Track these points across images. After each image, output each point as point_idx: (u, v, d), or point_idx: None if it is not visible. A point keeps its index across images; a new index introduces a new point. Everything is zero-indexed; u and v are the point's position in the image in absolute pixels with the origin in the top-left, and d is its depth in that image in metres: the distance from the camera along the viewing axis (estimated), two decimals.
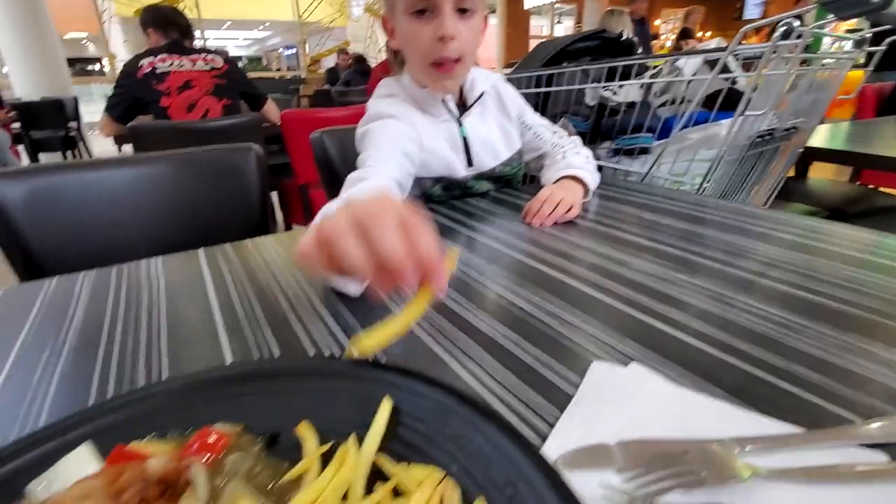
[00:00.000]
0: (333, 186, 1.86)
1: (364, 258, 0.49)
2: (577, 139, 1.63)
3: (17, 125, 7.16)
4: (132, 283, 0.99)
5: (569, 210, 1.28)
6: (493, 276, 0.97)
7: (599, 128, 2.17)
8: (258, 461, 0.50)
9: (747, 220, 1.24)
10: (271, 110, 3.87)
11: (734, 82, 1.95)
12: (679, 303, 0.84)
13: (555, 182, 1.41)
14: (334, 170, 1.84)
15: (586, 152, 1.56)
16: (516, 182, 1.71)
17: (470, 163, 1.51)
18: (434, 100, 1.42)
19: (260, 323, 0.80)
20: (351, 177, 1.15)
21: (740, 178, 2.05)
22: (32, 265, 1.33)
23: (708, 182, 1.86)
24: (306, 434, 0.52)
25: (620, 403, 0.58)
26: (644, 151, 2.05)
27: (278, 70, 25.65)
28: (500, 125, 1.58)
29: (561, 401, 0.60)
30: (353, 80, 8.73)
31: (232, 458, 0.50)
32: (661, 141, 1.99)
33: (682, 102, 2.00)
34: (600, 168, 1.81)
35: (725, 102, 1.81)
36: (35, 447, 0.48)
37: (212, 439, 0.51)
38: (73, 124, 7.72)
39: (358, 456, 0.48)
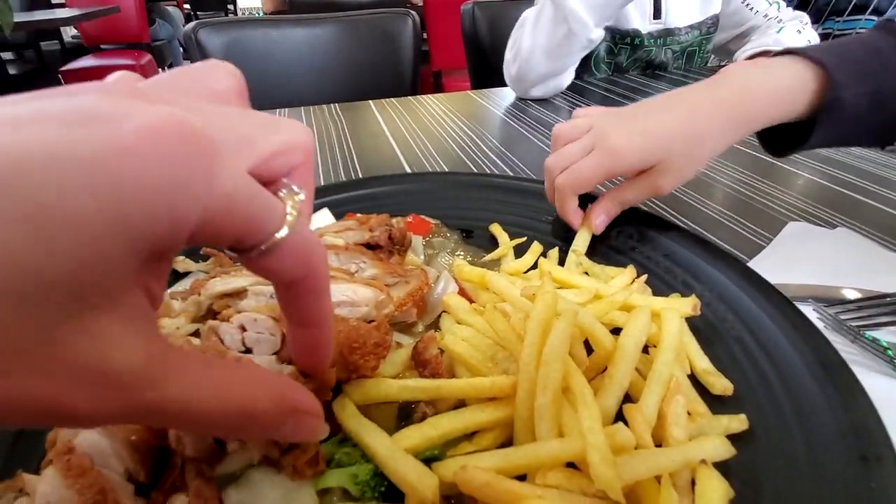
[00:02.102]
0: (478, 68, 1.81)
1: None
2: (802, 15, 1.22)
3: None
4: (321, 120, 1.11)
5: None
6: None
7: (807, 4, 1.77)
8: (458, 246, 0.57)
9: None
10: None
11: None
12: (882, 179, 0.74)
13: (749, 58, 1.19)
14: (482, 48, 1.75)
15: (810, 34, 1.19)
16: (699, 60, 1.37)
17: (657, 13, 1.21)
18: None
19: (428, 148, 0.87)
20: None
21: None
22: None
23: None
24: (498, 231, 0.57)
25: (822, 258, 0.55)
26: None
27: None
28: None
29: (750, 248, 0.58)
30: None
31: (437, 240, 0.58)
32: None
33: None
34: None
35: None
36: None
37: (415, 222, 0.59)
38: None
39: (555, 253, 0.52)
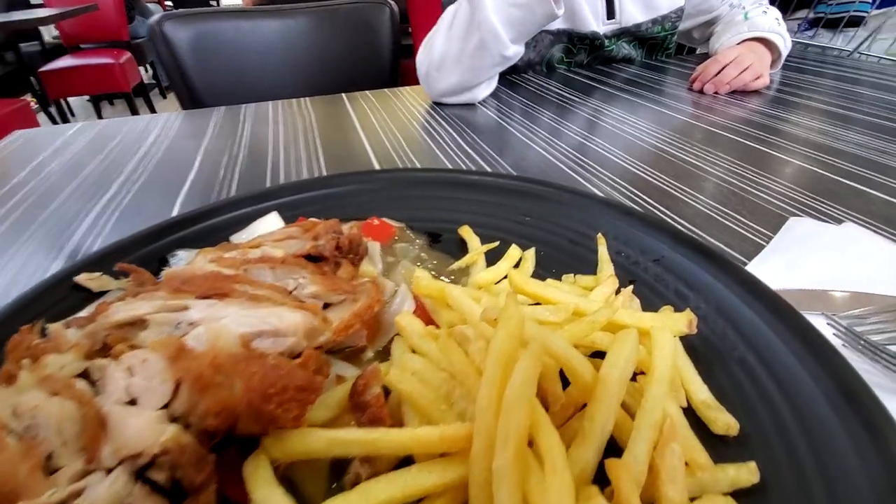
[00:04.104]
0: None
1: None
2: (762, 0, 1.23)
3: None
4: (288, 114, 1.04)
5: (757, 78, 1.06)
6: (659, 137, 0.86)
7: None
8: (423, 251, 0.51)
9: None
10: None
11: None
12: (886, 168, 0.69)
13: (738, 44, 1.16)
14: None
15: (775, 13, 1.19)
16: (665, 51, 1.34)
17: (611, 13, 1.16)
18: None
19: (401, 143, 0.80)
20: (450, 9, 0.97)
21: None
22: (194, 99, 1.47)
23: None
24: (468, 235, 0.51)
25: (829, 257, 0.49)
26: (854, 23, 1.61)
27: None
28: None
29: (748, 250, 0.52)
30: None
31: (400, 246, 0.51)
32: (886, 9, 1.54)
33: None
34: None
35: None
36: (234, 209, 0.53)
37: (377, 225, 0.53)
38: None
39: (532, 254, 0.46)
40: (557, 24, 1.16)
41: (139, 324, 0.31)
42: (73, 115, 4.62)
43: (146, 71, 5.45)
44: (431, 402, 0.28)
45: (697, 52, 1.52)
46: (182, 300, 0.31)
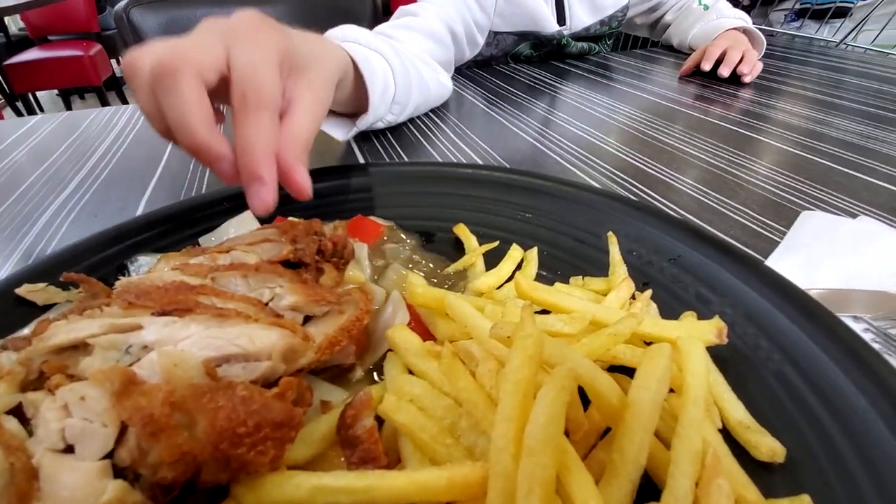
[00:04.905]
0: None
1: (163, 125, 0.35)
2: None
3: None
4: None
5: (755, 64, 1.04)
6: (662, 128, 0.83)
7: None
8: (415, 253, 0.47)
9: None
10: None
11: None
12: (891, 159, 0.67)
13: (719, 37, 1.13)
14: None
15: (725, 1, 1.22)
16: (604, 46, 1.35)
17: (562, 19, 1.16)
18: None
19: (386, 135, 0.76)
20: (401, 9, 0.94)
21: None
22: None
23: None
24: (464, 234, 0.47)
25: (849, 254, 0.46)
26: (840, 14, 1.60)
27: None
28: None
29: (759, 246, 0.49)
30: None
31: (389, 247, 0.47)
32: (871, 0, 1.54)
33: None
34: (772, 35, 1.46)
35: None
36: (205, 209, 0.48)
37: (364, 224, 0.48)
38: None
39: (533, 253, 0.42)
40: (521, 27, 1.14)
41: (82, 348, 0.26)
42: (41, 109, 4.43)
43: (118, 63, 5.27)
44: (434, 436, 0.24)
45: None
46: (135, 318, 0.26)
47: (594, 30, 1.23)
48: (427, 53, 0.81)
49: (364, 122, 0.65)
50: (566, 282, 0.40)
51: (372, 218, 0.49)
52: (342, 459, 0.25)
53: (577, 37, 1.22)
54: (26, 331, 0.32)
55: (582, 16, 1.18)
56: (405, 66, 0.70)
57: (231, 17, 0.39)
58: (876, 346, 0.34)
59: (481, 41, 1.07)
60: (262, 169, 0.33)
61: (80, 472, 0.19)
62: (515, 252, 0.42)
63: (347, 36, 0.64)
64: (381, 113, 0.68)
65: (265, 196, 0.34)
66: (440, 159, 0.71)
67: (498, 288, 0.39)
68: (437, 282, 0.42)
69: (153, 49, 0.35)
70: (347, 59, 0.56)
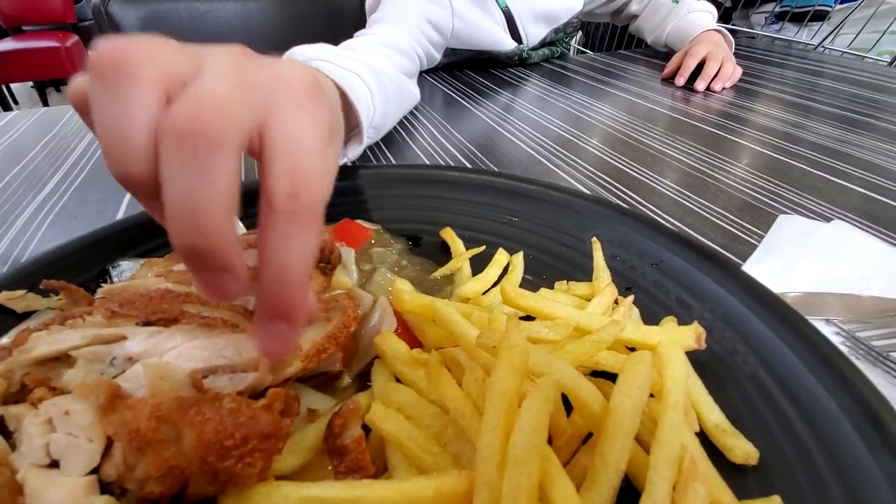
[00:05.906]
0: None
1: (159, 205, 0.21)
2: None
3: None
4: None
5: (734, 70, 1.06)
6: (644, 130, 0.84)
7: None
8: (403, 257, 0.47)
9: None
10: None
11: None
12: (868, 164, 0.70)
13: (695, 38, 1.14)
14: None
15: None
16: (566, 45, 1.34)
17: (517, 38, 1.14)
18: None
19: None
20: (370, 19, 0.92)
21: None
22: None
23: None
24: (451, 238, 0.47)
25: (822, 258, 0.47)
26: (818, 17, 1.64)
27: None
28: None
29: (738, 249, 0.50)
30: None
31: (376, 251, 0.47)
32: (848, 3, 1.57)
33: None
34: (753, 37, 1.49)
35: None
36: None
37: (350, 228, 0.48)
38: None
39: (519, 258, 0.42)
40: (479, 46, 1.12)
41: (64, 359, 0.25)
42: (16, 102, 4.31)
43: None
44: (421, 444, 0.24)
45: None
46: (119, 328, 0.26)
47: (550, 38, 1.22)
48: (397, 68, 0.80)
49: (355, 154, 0.62)
50: (551, 286, 0.41)
51: (359, 222, 0.49)
52: (329, 468, 0.25)
53: (535, 47, 1.22)
54: (6, 339, 0.32)
55: (535, 30, 1.16)
56: (382, 85, 0.66)
57: (278, 64, 0.26)
58: (845, 349, 0.35)
59: (438, 57, 1.05)
60: (299, 308, 0.23)
61: (67, 487, 0.19)
62: (501, 256, 0.43)
63: (322, 55, 0.59)
64: (367, 143, 0.65)
65: (290, 340, 0.23)
66: (427, 161, 0.71)
67: (484, 293, 0.39)
68: (424, 286, 0.43)
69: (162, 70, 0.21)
70: (336, 92, 0.53)
